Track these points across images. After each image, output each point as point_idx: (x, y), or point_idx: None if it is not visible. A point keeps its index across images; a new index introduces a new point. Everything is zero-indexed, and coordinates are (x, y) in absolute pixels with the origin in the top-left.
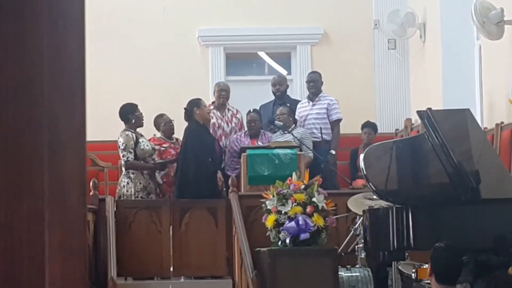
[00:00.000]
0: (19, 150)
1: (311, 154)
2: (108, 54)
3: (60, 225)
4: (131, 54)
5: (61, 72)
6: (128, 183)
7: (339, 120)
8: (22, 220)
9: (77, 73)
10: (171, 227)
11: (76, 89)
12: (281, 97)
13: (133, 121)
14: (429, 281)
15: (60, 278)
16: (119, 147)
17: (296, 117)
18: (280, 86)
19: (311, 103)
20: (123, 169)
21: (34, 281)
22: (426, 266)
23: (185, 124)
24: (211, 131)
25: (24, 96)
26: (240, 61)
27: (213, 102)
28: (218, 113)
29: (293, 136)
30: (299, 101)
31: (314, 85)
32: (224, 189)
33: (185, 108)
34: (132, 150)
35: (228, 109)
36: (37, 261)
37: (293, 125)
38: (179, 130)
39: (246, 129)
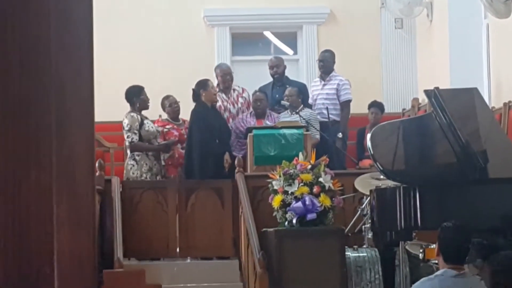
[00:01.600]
0: (27, 120)
1: (318, 136)
2: (114, 34)
3: (68, 197)
4: (137, 34)
5: (69, 40)
6: (134, 165)
7: (349, 101)
8: (30, 191)
9: (84, 41)
10: (177, 208)
11: (83, 57)
12: (280, 78)
13: (138, 104)
14: (436, 261)
15: (69, 250)
16: (123, 128)
17: (310, 95)
18: (277, 68)
19: (322, 82)
20: (128, 151)
21: (43, 251)
22: (433, 246)
23: (192, 104)
24: None
25: (31, 64)
26: (246, 41)
27: (217, 85)
28: (224, 95)
29: (301, 117)
30: (299, 82)
31: (324, 64)
32: (227, 170)
33: (192, 89)
34: (136, 132)
35: (234, 90)
36: (45, 232)
37: (301, 106)
38: (187, 110)
39: (252, 109)
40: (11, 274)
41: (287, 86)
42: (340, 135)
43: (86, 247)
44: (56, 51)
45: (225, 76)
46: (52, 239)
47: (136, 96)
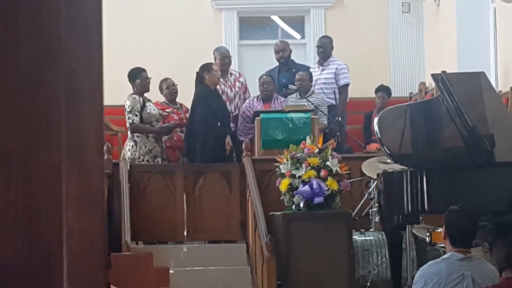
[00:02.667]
0: (36, 98)
1: (325, 121)
2: (122, 18)
3: (78, 175)
4: (145, 18)
5: (78, 16)
6: (133, 146)
7: (347, 85)
8: (40, 170)
9: (94, 17)
10: (185, 191)
11: (93, 36)
12: (286, 63)
13: (139, 86)
14: (443, 245)
15: (78, 228)
16: (125, 109)
17: None
18: (283, 53)
19: (320, 67)
20: (128, 132)
21: (52, 231)
22: (440, 229)
23: (189, 88)
24: None
25: (41, 42)
26: (253, 25)
27: None
28: (221, 79)
29: (309, 101)
30: (306, 66)
31: (324, 50)
32: (234, 154)
33: (196, 72)
34: (138, 113)
35: (231, 74)
36: (55, 211)
37: (311, 91)
38: (190, 94)
39: (250, 92)
40: (21, 251)
41: (294, 70)
42: (339, 118)
43: (96, 225)
44: (66, 30)
45: (224, 59)
46: (62, 216)
47: (137, 78)
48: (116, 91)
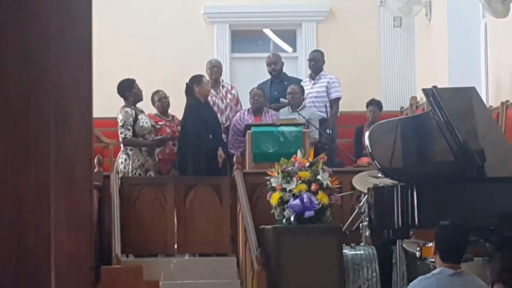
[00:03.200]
0: (26, 118)
1: (317, 135)
2: (113, 30)
3: (66, 195)
4: (137, 30)
5: (68, 40)
6: (126, 159)
7: (338, 99)
8: (28, 190)
9: (83, 41)
10: (175, 204)
11: (82, 56)
12: (278, 75)
13: (131, 97)
14: (433, 260)
15: (66, 248)
16: (118, 123)
17: None
18: (275, 65)
19: (312, 81)
20: (121, 145)
21: (40, 250)
22: (430, 244)
23: (181, 101)
24: None
25: (30, 62)
26: (245, 38)
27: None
28: (212, 90)
29: (301, 115)
30: (298, 79)
31: (315, 63)
32: (228, 166)
33: (186, 83)
34: (130, 127)
35: (223, 86)
36: (43, 231)
37: (303, 104)
38: (182, 106)
39: (241, 105)
40: (8, 273)
41: (286, 83)
42: (329, 131)
43: (84, 247)
44: (56, 50)
45: (212, 68)
46: (50, 238)
47: (128, 90)
48: (107, 103)
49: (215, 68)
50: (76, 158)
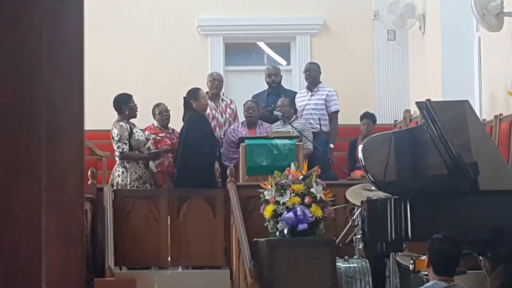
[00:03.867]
0: (17, 134)
1: (310, 146)
2: (107, 42)
3: (58, 210)
4: (130, 42)
5: (60, 55)
6: (123, 172)
7: (337, 112)
8: (20, 205)
9: (75, 56)
10: (169, 216)
11: (74, 72)
12: (276, 87)
13: (127, 111)
14: (426, 273)
15: (57, 263)
16: (113, 138)
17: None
18: (275, 77)
19: (309, 93)
20: (117, 159)
21: (31, 266)
22: (424, 257)
23: (180, 113)
24: None
25: (22, 78)
26: (239, 51)
27: (207, 93)
28: (212, 104)
29: (293, 127)
30: (294, 91)
31: (311, 74)
32: (219, 179)
33: (184, 97)
34: (127, 141)
35: (222, 100)
36: (34, 246)
37: (294, 116)
38: (178, 119)
39: (239, 120)
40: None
41: (282, 95)
42: (331, 145)
43: (75, 262)
44: (48, 68)
45: (214, 82)
46: (41, 253)
47: (125, 104)
48: (101, 115)
49: (216, 81)
50: (67, 174)
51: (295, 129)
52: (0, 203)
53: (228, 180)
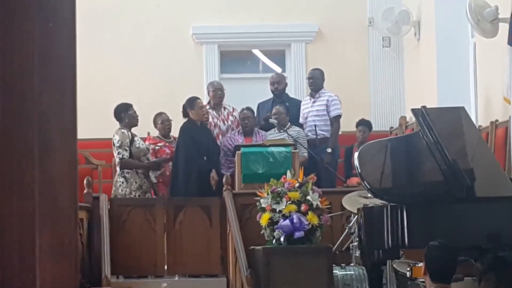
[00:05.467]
0: (10, 149)
1: (306, 154)
2: (102, 51)
3: (51, 226)
4: (125, 51)
5: (52, 71)
6: (123, 182)
7: (339, 116)
8: (13, 221)
9: (67, 72)
10: (165, 225)
11: (66, 88)
12: (280, 95)
13: (126, 120)
14: (423, 280)
15: (51, 278)
16: (114, 144)
17: (301, 114)
18: (278, 85)
19: (312, 100)
20: (118, 168)
21: (25, 281)
22: (420, 264)
23: (181, 122)
24: None
25: (14, 94)
26: (234, 58)
27: (208, 102)
28: (214, 112)
29: (289, 135)
30: (298, 100)
31: (314, 81)
32: (223, 187)
33: (183, 105)
34: (127, 148)
35: (224, 108)
36: (28, 262)
37: (289, 124)
38: (176, 128)
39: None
40: None
41: (287, 103)
42: (329, 150)
43: (69, 277)
44: (40, 84)
45: (216, 92)
46: (35, 267)
47: (124, 112)
48: (97, 125)
49: (219, 91)
50: (60, 187)
51: (291, 136)
52: None
53: (224, 188)
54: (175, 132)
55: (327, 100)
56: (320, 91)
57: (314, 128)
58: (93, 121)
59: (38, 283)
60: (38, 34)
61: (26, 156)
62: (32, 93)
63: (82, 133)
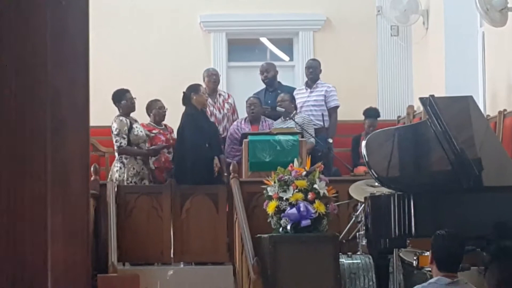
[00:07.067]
0: (21, 129)
1: (312, 140)
2: (110, 39)
3: (63, 207)
4: (133, 39)
5: (64, 51)
6: (121, 168)
7: (336, 107)
8: (25, 202)
9: (80, 51)
10: (172, 213)
11: (79, 68)
12: (271, 84)
13: (122, 106)
14: (430, 269)
15: (63, 260)
16: (112, 132)
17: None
18: (267, 73)
19: (308, 90)
20: (116, 154)
21: (37, 262)
22: (427, 253)
23: (178, 111)
24: None
25: (27, 73)
26: (242, 47)
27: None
28: (210, 100)
29: (295, 122)
30: (292, 87)
31: (313, 71)
32: (226, 174)
33: (183, 92)
34: (125, 136)
35: (220, 94)
36: (40, 243)
37: (294, 112)
38: (176, 116)
39: (238, 114)
40: (6, 282)
41: (279, 91)
42: (330, 140)
43: (80, 257)
44: (52, 63)
45: (211, 77)
46: (47, 249)
47: (119, 99)
48: (104, 112)
49: (214, 76)
50: (72, 168)
51: (297, 123)
52: (5, 201)
53: (231, 176)
54: (173, 120)
55: (326, 91)
56: (317, 82)
57: (321, 117)
58: (100, 109)
59: (49, 265)
60: (50, 13)
61: (38, 135)
62: (44, 72)
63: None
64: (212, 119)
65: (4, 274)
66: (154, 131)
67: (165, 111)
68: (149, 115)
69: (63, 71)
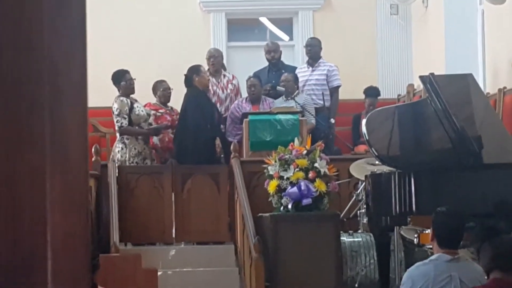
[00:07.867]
0: (19, 100)
1: (313, 121)
2: (110, 20)
3: (62, 178)
4: (133, 20)
5: (61, 22)
6: (122, 148)
7: (338, 87)
8: (23, 173)
9: (77, 23)
10: (173, 193)
11: (76, 36)
12: (276, 64)
13: (122, 87)
14: (431, 246)
15: (62, 231)
16: (113, 112)
17: None
18: (274, 53)
19: (310, 68)
20: (117, 134)
21: (36, 233)
22: (428, 231)
23: (181, 92)
24: None
25: (23, 42)
26: (241, 27)
27: (208, 70)
28: (214, 80)
29: (296, 102)
30: (295, 67)
31: (312, 49)
32: (222, 155)
33: (185, 74)
34: (126, 116)
35: (224, 75)
36: (39, 213)
37: (296, 92)
38: (179, 97)
39: (242, 95)
40: (4, 255)
41: (283, 71)
42: (332, 120)
43: (80, 226)
44: (49, 34)
45: (210, 59)
46: (46, 217)
47: (118, 80)
48: (104, 93)
49: (216, 57)
50: (71, 139)
51: (298, 103)
52: (3, 172)
53: (232, 155)
54: (175, 101)
55: (328, 70)
56: (319, 61)
57: (321, 95)
58: (100, 89)
59: (49, 236)
60: None
61: (35, 108)
62: (41, 43)
63: (90, 101)
64: (215, 98)
65: (4, 244)
66: (160, 111)
67: (170, 92)
68: (155, 96)
69: (60, 42)
